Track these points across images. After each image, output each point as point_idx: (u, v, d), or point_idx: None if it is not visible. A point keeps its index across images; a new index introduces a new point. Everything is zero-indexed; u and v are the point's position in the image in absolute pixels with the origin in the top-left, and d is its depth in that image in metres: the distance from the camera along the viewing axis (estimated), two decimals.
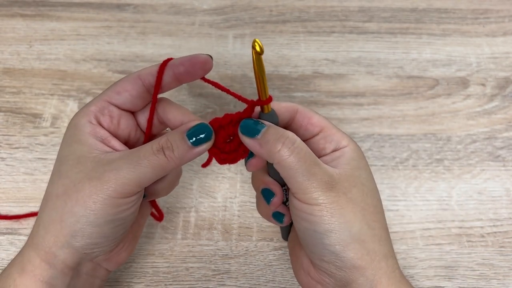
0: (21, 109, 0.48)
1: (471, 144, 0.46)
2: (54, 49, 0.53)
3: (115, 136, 0.30)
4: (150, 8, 0.57)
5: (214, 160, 0.43)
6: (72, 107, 0.48)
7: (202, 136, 0.28)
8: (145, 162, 0.27)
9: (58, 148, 0.44)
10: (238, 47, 0.54)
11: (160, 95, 0.31)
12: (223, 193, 0.43)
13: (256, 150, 0.28)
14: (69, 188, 0.27)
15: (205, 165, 0.35)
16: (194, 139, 0.28)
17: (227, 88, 0.31)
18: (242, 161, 0.31)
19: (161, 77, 0.29)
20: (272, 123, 0.29)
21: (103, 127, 0.30)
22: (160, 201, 0.42)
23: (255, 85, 0.50)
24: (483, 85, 0.51)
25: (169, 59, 0.30)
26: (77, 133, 0.29)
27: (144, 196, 0.32)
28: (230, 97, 0.49)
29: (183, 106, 0.32)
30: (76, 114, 0.30)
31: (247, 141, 0.28)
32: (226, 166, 0.44)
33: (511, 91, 0.50)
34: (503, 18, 0.57)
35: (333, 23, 0.57)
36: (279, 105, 0.31)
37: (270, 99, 0.29)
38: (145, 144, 0.29)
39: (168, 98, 0.32)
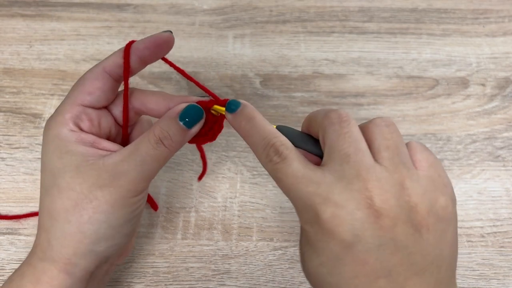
0: (21, 109, 0.48)
1: (471, 144, 0.46)
2: (54, 49, 0.53)
3: (99, 136, 0.30)
4: (150, 8, 0.57)
5: (213, 160, 0.43)
6: None
7: (194, 116, 0.29)
8: (149, 159, 0.27)
9: None
10: (238, 47, 0.54)
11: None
12: (223, 193, 0.43)
13: (230, 123, 0.29)
14: (80, 199, 0.27)
15: (200, 177, 0.37)
16: (187, 121, 0.28)
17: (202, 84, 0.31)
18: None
19: (129, 66, 0.29)
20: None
21: (85, 131, 0.29)
22: (160, 201, 0.42)
23: (255, 85, 0.50)
24: (483, 85, 0.51)
25: (130, 43, 0.29)
26: (63, 144, 0.28)
27: None
28: (231, 97, 0.49)
29: (157, 91, 0.31)
30: (51, 124, 0.28)
31: (228, 116, 0.29)
32: (226, 166, 0.44)
33: (511, 91, 0.50)
34: (503, 18, 0.57)
35: (333, 23, 0.57)
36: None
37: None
38: (141, 139, 0.28)
39: (135, 87, 0.31)
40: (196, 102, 0.30)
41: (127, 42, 0.29)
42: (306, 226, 0.25)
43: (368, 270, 0.23)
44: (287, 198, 0.43)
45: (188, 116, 0.28)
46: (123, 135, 0.32)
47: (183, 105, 0.29)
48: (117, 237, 0.28)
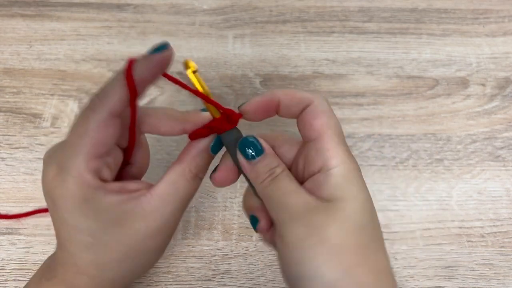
0: (21, 109, 0.48)
1: (471, 144, 0.46)
2: (54, 49, 0.53)
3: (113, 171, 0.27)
4: (150, 8, 0.57)
5: (213, 161, 0.43)
6: (72, 107, 0.48)
7: (220, 144, 0.29)
8: (189, 197, 0.28)
9: None
10: (238, 47, 0.54)
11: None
12: (223, 193, 0.43)
13: (245, 170, 0.28)
14: (131, 252, 0.27)
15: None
16: (215, 150, 0.29)
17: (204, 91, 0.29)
18: None
19: (135, 114, 0.25)
20: (230, 141, 0.28)
21: (108, 181, 0.26)
22: None
23: (255, 85, 0.50)
24: (483, 85, 0.51)
25: (130, 70, 0.24)
26: (95, 207, 0.25)
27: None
28: (231, 97, 0.49)
29: (165, 110, 0.28)
30: (68, 185, 0.24)
31: (242, 161, 0.27)
32: None
33: (511, 91, 0.50)
34: (503, 18, 0.57)
35: (333, 23, 0.57)
36: (293, 96, 0.27)
37: (232, 119, 0.28)
38: (175, 178, 0.27)
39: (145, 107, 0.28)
40: (212, 124, 0.28)
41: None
42: (347, 162, 0.26)
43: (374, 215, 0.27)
44: None
45: (216, 145, 0.29)
46: (128, 156, 0.29)
47: (212, 137, 0.28)
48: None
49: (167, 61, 0.25)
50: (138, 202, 0.26)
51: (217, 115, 0.28)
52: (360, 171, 0.26)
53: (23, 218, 0.40)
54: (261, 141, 0.27)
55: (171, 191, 0.27)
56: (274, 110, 0.28)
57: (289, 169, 0.28)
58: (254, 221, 0.29)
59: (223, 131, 0.28)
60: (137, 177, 0.30)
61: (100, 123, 0.24)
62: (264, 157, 0.27)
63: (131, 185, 0.27)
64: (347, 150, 0.26)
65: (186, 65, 0.26)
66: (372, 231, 0.25)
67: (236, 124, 0.29)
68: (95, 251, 0.25)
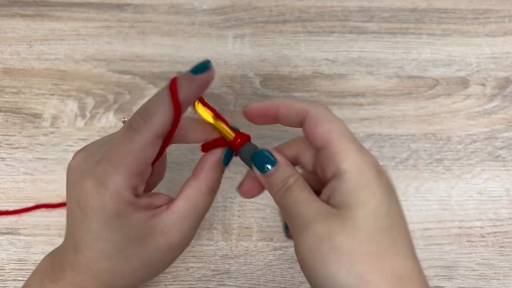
0: (21, 109, 0.48)
1: (471, 144, 0.46)
2: (54, 49, 0.53)
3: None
4: (150, 8, 0.57)
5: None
6: (72, 107, 0.48)
7: (230, 158, 0.30)
8: (205, 212, 0.29)
9: (58, 148, 0.44)
10: (238, 47, 0.54)
11: None
12: (223, 193, 0.42)
13: (261, 182, 0.29)
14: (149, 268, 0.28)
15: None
16: (226, 162, 0.29)
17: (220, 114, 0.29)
18: (239, 160, 0.31)
19: (174, 132, 0.26)
20: (246, 156, 0.29)
21: (140, 195, 0.27)
22: None
23: (255, 85, 0.50)
24: (483, 85, 0.51)
25: (175, 88, 0.24)
26: (124, 223, 0.26)
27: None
28: (231, 97, 0.49)
29: (194, 119, 0.29)
30: (105, 200, 0.25)
31: (257, 174, 0.28)
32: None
33: (511, 91, 0.50)
34: (503, 18, 0.57)
35: (333, 23, 0.57)
36: (289, 107, 0.27)
37: (242, 138, 0.29)
38: (192, 193, 0.28)
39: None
40: (224, 143, 0.29)
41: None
42: (358, 164, 0.25)
43: (398, 211, 0.26)
44: None
45: (227, 157, 0.29)
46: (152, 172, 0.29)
47: (222, 150, 0.29)
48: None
49: (210, 81, 0.25)
50: (161, 219, 0.27)
51: (230, 137, 0.29)
52: (377, 168, 0.25)
53: (23, 215, 0.40)
54: (274, 153, 0.28)
55: (189, 207, 0.28)
56: (273, 118, 0.29)
57: (314, 174, 0.28)
58: (286, 227, 0.31)
59: (235, 148, 0.29)
60: (152, 185, 0.31)
61: (146, 144, 0.25)
62: (277, 169, 0.28)
63: (156, 200, 0.28)
64: (359, 148, 0.25)
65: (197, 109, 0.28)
66: (388, 235, 0.24)
67: (246, 141, 0.29)
68: (115, 261, 0.26)
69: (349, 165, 0.24)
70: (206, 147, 0.29)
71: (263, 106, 0.28)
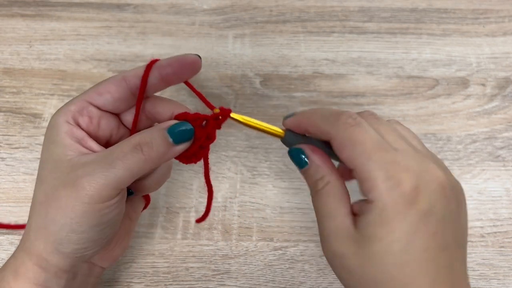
0: (21, 109, 0.48)
1: (471, 144, 0.46)
2: (54, 49, 0.53)
3: (95, 136, 0.29)
4: (150, 8, 0.57)
5: (213, 160, 0.43)
6: None
7: (184, 132, 0.28)
8: (119, 164, 0.26)
9: None
10: (238, 47, 0.54)
11: None
12: (223, 193, 0.43)
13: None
14: (48, 195, 0.26)
15: (199, 220, 0.35)
16: (175, 135, 0.27)
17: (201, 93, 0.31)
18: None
19: (146, 78, 0.28)
20: (293, 144, 0.29)
21: (81, 127, 0.28)
22: (160, 201, 0.42)
23: (255, 85, 0.50)
24: (483, 85, 0.51)
25: (155, 60, 0.29)
26: (53, 134, 0.28)
27: (131, 193, 0.31)
28: (231, 96, 0.49)
29: (173, 100, 0.31)
30: (55, 113, 0.28)
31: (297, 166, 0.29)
32: (226, 166, 0.44)
33: (511, 91, 0.50)
34: (503, 18, 0.57)
35: (333, 23, 0.57)
36: (316, 128, 0.27)
37: (225, 112, 0.29)
38: (120, 142, 0.27)
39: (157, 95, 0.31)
40: (190, 116, 0.29)
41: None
42: (383, 196, 0.23)
43: (436, 242, 0.23)
44: (287, 198, 0.43)
45: (178, 131, 0.27)
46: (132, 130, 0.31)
47: (174, 121, 0.28)
48: (82, 241, 0.27)
49: (190, 65, 0.28)
50: (79, 155, 0.27)
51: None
52: (409, 195, 0.23)
53: (23, 216, 0.40)
54: (309, 151, 0.28)
55: (105, 154, 0.27)
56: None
57: None
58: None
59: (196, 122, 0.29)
60: (154, 187, 0.32)
61: (110, 79, 0.29)
62: (308, 169, 0.28)
63: (92, 144, 0.28)
64: (388, 173, 0.24)
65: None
66: (418, 264, 0.23)
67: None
68: (36, 182, 0.28)
69: (375, 196, 0.24)
70: (177, 117, 0.29)
71: (295, 123, 0.29)
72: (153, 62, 0.29)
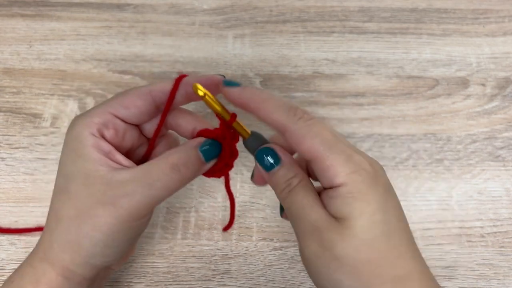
0: (21, 109, 0.48)
1: (471, 144, 0.46)
2: (54, 49, 0.53)
3: (119, 148, 0.29)
4: (150, 8, 0.57)
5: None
6: (72, 107, 0.48)
7: (214, 150, 0.28)
8: (159, 184, 0.26)
9: (58, 148, 0.44)
10: (238, 47, 0.54)
11: None
12: (223, 193, 0.42)
13: (266, 179, 0.28)
14: (82, 212, 0.26)
15: (226, 228, 0.39)
16: (206, 154, 0.28)
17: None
18: (240, 159, 0.31)
19: (174, 95, 0.29)
20: (252, 148, 0.29)
21: (106, 140, 0.28)
22: None
23: (255, 85, 0.50)
24: (483, 85, 0.51)
25: (183, 76, 0.29)
26: (80, 147, 0.27)
27: None
28: None
29: (194, 113, 0.31)
30: (77, 124, 0.28)
31: (261, 170, 0.28)
32: None
33: (511, 91, 0.50)
34: (503, 18, 0.57)
35: (333, 23, 0.57)
36: (268, 116, 0.27)
37: (232, 118, 0.29)
38: (156, 162, 0.27)
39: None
40: (216, 134, 0.29)
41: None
42: (351, 177, 0.24)
43: (401, 212, 0.26)
44: None
45: (208, 149, 0.28)
46: (149, 147, 0.31)
47: (203, 139, 0.29)
48: (114, 254, 0.28)
49: (216, 85, 0.29)
50: (111, 171, 0.27)
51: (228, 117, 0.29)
52: (370, 175, 0.25)
53: (24, 216, 0.40)
54: (278, 150, 0.28)
55: (144, 172, 0.27)
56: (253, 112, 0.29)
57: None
58: (282, 209, 0.30)
59: (223, 138, 0.29)
60: None
61: (136, 92, 0.29)
62: (280, 169, 0.27)
63: (120, 157, 0.28)
64: (348, 157, 0.25)
65: (196, 91, 0.28)
66: (386, 241, 0.24)
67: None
68: (61, 195, 0.28)
69: (341, 179, 0.24)
70: (199, 134, 0.30)
71: (242, 100, 0.27)
72: (181, 78, 0.29)
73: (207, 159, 0.28)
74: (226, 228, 0.40)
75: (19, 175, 0.43)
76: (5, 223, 0.40)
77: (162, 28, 0.55)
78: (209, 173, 0.30)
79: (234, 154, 0.30)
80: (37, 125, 0.47)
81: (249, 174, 0.44)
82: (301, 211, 0.26)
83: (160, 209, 0.41)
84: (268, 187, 0.43)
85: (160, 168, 0.27)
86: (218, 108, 0.28)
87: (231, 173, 0.44)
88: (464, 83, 0.51)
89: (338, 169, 0.24)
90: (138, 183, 0.26)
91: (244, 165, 0.44)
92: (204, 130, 0.29)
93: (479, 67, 0.52)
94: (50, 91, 0.49)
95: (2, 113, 0.47)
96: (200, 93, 0.27)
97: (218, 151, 0.29)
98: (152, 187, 0.26)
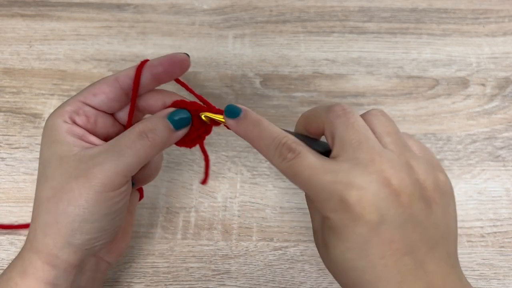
0: (21, 109, 0.48)
1: (471, 144, 0.46)
2: (54, 49, 0.53)
3: (93, 134, 0.30)
4: (150, 8, 0.57)
5: (213, 160, 0.43)
6: None
7: (183, 119, 0.29)
8: (128, 151, 0.27)
9: None
10: (238, 47, 0.54)
11: None
12: (223, 193, 0.43)
13: (234, 129, 0.29)
14: (57, 190, 0.27)
15: (204, 182, 0.37)
16: (175, 122, 0.29)
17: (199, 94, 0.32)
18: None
19: (139, 78, 0.30)
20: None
21: (79, 126, 0.29)
22: (160, 201, 0.42)
23: (255, 85, 0.50)
24: (483, 85, 0.51)
25: (146, 60, 0.30)
26: (54, 134, 0.28)
27: (132, 185, 0.32)
28: (231, 97, 0.49)
29: (162, 89, 0.32)
30: (51, 115, 0.29)
31: (230, 122, 0.29)
32: (226, 166, 0.44)
33: (511, 91, 0.50)
34: (503, 18, 0.57)
35: (333, 23, 0.57)
36: (309, 125, 0.30)
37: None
38: (125, 132, 0.28)
39: None
40: (188, 105, 0.30)
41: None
42: (331, 215, 0.25)
43: (394, 248, 0.24)
44: (287, 198, 0.43)
45: (178, 118, 0.29)
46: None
47: (173, 109, 0.30)
48: (94, 231, 0.28)
49: (180, 63, 0.30)
50: (85, 150, 0.28)
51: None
52: (354, 210, 0.24)
53: (23, 216, 0.40)
54: (242, 106, 0.29)
55: (112, 143, 0.28)
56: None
57: None
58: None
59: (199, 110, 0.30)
60: (148, 179, 0.34)
61: (103, 80, 0.30)
62: (246, 110, 0.29)
63: (93, 138, 0.29)
64: (329, 192, 0.25)
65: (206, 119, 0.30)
66: (377, 271, 0.24)
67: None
68: (39, 181, 0.29)
69: (326, 214, 0.25)
70: (174, 105, 0.30)
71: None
72: (144, 62, 0.30)
73: (176, 127, 0.29)
74: (203, 182, 0.38)
75: (19, 175, 0.43)
76: (5, 223, 0.40)
77: (162, 28, 0.55)
78: (180, 143, 0.31)
79: (208, 129, 0.31)
80: (37, 125, 0.47)
81: (249, 174, 0.44)
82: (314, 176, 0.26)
83: (160, 209, 0.41)
84: (268, 187, 0.43)
85: (127, 136, 0.28)
86: (222, 119, 0.30)
87: (231, 173, 0.44)
88: (464, 83, 0.51)
89: (321, 206, 0.25)
90: (107, 152, 0.27)
91: (244, 165, 0.44)
92: (177, 101, 0.30)
93: (479, 67, 0.52)
94: (50, 91, 0.49)
95: (2, 113, 0.47)
96: (205, 119, 0.30)
97: (188, 120, 0.30)
98: (121, 154, 0.27)
